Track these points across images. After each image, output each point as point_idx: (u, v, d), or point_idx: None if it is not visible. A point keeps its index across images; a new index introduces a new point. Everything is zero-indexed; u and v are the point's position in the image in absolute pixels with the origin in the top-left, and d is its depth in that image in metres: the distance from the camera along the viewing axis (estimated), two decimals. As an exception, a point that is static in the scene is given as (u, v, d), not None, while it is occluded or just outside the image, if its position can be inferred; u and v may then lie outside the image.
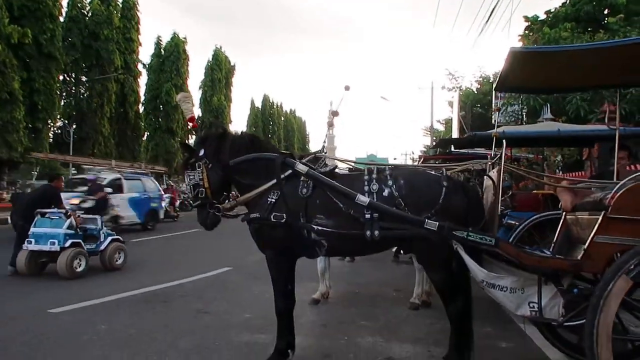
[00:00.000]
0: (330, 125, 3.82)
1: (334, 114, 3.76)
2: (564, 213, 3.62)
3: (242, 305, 5.75)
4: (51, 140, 32.43)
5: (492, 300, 4.79)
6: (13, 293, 6.36)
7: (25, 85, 25.45)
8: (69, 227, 7.47)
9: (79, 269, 7.34)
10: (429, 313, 5.51)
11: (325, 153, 3.70)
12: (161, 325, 4.88)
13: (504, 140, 3.49)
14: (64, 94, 33.77)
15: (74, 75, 34.11)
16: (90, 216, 8.53)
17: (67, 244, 7.31)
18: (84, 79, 34.16)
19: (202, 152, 3.75)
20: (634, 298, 2.74)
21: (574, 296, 2.91)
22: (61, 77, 31.46)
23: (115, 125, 36.68)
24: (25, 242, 7.38)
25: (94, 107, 33.36)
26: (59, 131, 33.69)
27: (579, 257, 2.81)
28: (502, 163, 3.36)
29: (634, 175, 2.80)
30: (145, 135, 42.07)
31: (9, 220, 12.53)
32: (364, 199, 3.18)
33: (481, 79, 27.47)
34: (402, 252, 9.14)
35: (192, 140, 45.32)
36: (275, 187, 3.51)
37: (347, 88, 3.87)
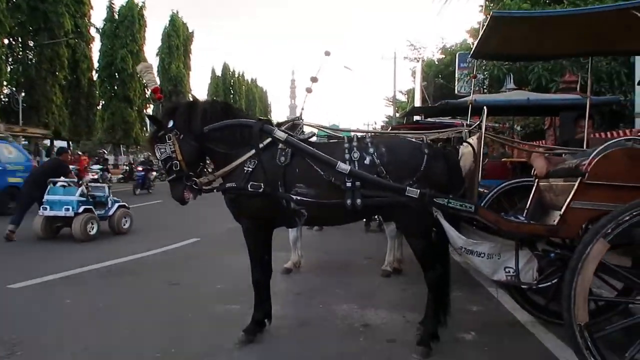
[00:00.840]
0: (309, 91, 3.69)
1: (313, 80, 3.63)
2: (536, 180, 3.70)
3: (213, 276, 5.67)
4: (-2, 108, 30.67)
5: (462, 266, 4.91)
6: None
7: (-33, 49, 23.75)
8: (80, 195, 8.03)
9: (92, 232, 8.02)
10: (401, 280, 5.60)
11: (302, 120, 3.59)
12: (130, 298, 4.75)
13: (484, 107, 3.49)
14: (10, 59, 31.73)
15: (20, 40, 32.03)
16: (99, 184, 9.61)
17: (80, 209, 7.94)
18: (31, 43, 32.14)
19: (171, 124, 3.54)
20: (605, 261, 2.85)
21: (549, 260, 3.00)
22: (6, 41, 29.55)
23: (67, 94, 34.98)
24: (40, 209, 8.05)
25: (43, 74, 31.56)
26: (7, 99, 31.84)
27: (554, 223, 2.88)
28: (484, 130, 3.37)
29: (609, 142, 2.85)
30: (101, 104, 40.38)
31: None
32: (344, 166, 3.11)
33: (443, 48, 27.64)
34: (371, 222, 9.28)
35: (150, 110, 44.00)
36: (253, 156, 3.40)
37: (327, 53, 3.74)
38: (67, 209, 7.81)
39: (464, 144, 3.57)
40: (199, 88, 72.00)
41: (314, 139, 3.75)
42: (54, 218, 8.09)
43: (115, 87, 39.81)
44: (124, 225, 8.91)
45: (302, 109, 3.49)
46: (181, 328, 3.91)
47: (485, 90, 14.06)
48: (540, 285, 3.33)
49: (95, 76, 39.02)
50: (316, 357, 3.34)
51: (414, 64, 29.83)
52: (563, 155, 3.74)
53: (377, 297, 4.91)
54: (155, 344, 3.56)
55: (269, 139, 3.40)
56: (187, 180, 3.55)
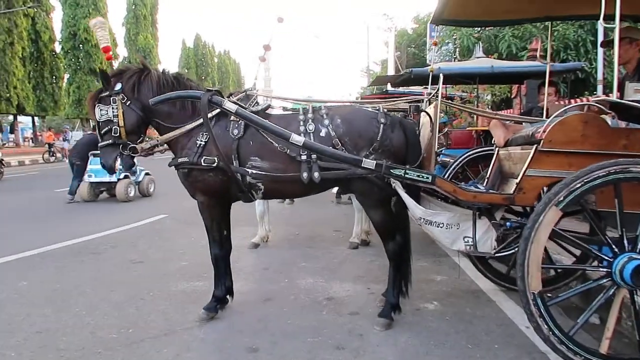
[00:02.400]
0: (262, 60, 3.54)
1: (266, 48, 3.48)
2: (497, 149, 3.68)
3: (178, 253, 5.57)
4: (-45, 83, 29.34)
5: (427, 236, 4.93)
6: None
7: None
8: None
9: (130, 195, 9.91)
10: (369, 251, 5.60)
11: (257, 91, 3.45)
12: (91, 278, 4.62)
13: (440, 75, 3.41)
14: (-35, 30, 30.17)
15: (-26, 9, 30.42)
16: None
17: (121, 176, 9.68)
18: (-13, 13, 30.56)
19: (118, 86, 3.35)
20: (561, 228, 2.86)
21: (506, 229, 3.00)
22: (-41, 11, 28.07)
23: (30, 66, 33.64)
24: (86, 176, 9.89)
25: (2, 46, 30.16)
26: (-36, 73, 30.39)
27: (511, 191, 2.86)
28: (439, 98, 3.30)
29: (563, 109, 2.82)
30: (66, 78, 38.98)
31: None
32: (298, 138, 3.01)
33: (416, 18, 27.36)
34: (342, 194, 9.27)
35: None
36: (202, 127, 3.26)
37: (280, 20, 3.58)
38: (111, 175, 8.53)
39: (423, 113, 3.50)
40: (169, 60, 70.06)
41: (275, 111, 3.63)
42: (98, 184, 9.94)
43: (80, 60, 38.39)
44: (150, 189, 10.63)
45: (255, 78, 3.35)
46: (141, 307, 3.82)
47: (456, 60, 14.02)
48: (500, 254, 3.34)
49: (58, 48, 37.52)
50: (277, 333, 3.30)
51: (388, 35, 29.52)
52: (523, 123, 3.72)
53: (343, 269, 4.90)
54: (113, 324, 3.47)
55: (218, 110, 3.26)
56: (123, 149, 3.38)
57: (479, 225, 3.08)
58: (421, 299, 3.95)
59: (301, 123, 3.24)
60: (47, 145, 26.94)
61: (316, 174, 3.13)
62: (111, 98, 3.34)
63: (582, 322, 2.54)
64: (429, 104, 3.85)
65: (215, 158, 3.22)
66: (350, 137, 3.18)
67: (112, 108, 3.33)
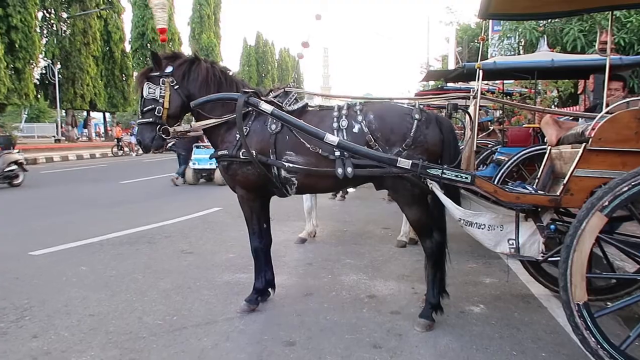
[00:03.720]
0: (300, 57, 3.56)
1: (304, 45, 3.49)
2: (549, 147, 3.48)
3: (226, 245, 5.72)
4: (37, 81, 31.57)
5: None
6: (-4, 236, 6.29)
7: (2, 22, 24.36)
8: None
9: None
10: (416, 250, 5.46)
11: (297, 86, 3.45)
12: (143, 266, 4.84)
13: (479, 71, 3.25)
14: (45, 31, 32.45)
15: (54, 12, 32.63)
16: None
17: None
18: (65, 15, 32.69)
19: (169, 69, 3.44)
20: (619, 233, 2.66)
21: (551, 233, 2.82)
22: (40, 15, 30.15)
23: (102, 65, 35.66)
24: (191, 163, 11.68)
25: (77, 46, 32.20)
26: (44, 71, 32.71)
27: (558, 193, 2.69)
28: (478, 95, 3.15)
29: (616, 104, 2.61)
30: (134, 76, 40.93)
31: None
32: (332, 138, 2.99)
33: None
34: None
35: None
36: (236, 124, 3.30)
37: (318, 17, 3.58)
38: (211, 164, 10.13)
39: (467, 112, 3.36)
40: (230, 58, 72.04)
41: (312, 107, 3.62)
42: (200, 170, 11.75)
43: (148, 59, 40.17)
44: None
45: (294, 75, 3.35)
46: (186, 296, 3.96)
47: (520, 53, 13.41)
48: (553, 258, 3.16)
49: (128, 47, 39.48)
50: (315, 328, 3.30)
51: (449, 29, 28.72)
52: (579, 120, 3.49)
53: (388, 267, 4.83)
54: (159, 311, 3.62)
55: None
56: (160, 129, 3.45)
57: (524, 227, 2.91)
58: (467, 302, 3.82)
59: (335, 119, 3.22)
60: (116, 140, 28.53)
61: (349, 170, 3.10)
62: (160, 79, 3.43)
63: (635, 335, 2.35)
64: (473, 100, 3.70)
65: (253, 151, 3.26)
66: (382, 132, 3.12)
67: (160, 88, 3.41)
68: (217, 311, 3.62)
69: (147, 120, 3.45)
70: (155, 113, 3.42)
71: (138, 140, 3.58)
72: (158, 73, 3.45)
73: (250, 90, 3.35)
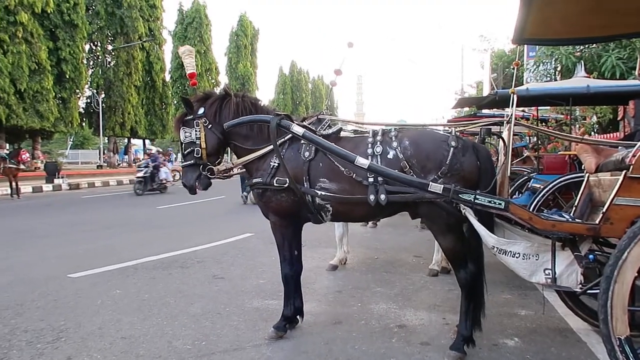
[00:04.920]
0: (333, 84, 3.60)
1: (337, 72, 3.54)
2: (587, 175, 3.37)
3: (257, 271, 5.74)
4: (82, 109, 33.10)
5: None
6: (38, 259, 6.52)
7: (52, 55, 25.80)
8: None
9: None
10: (448, 280, 5.35)
11: (330, 114, 3.50)
12: (175, 290, 4.91)
13: (513, 97, 3.21)
14: (91, 63, 34.17)
15: (99, 44, 34.39)
16: None
17: None
18: (110, 47, 34.39)
19: (202, 110, 3.58)
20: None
21: (589, 263, 2.71)
22: (87, 47, 31.80)
23: (143, 94, 37.10)
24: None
25: (120, 76, 33.71)
26: (89, 100, 34.32)
27: (597, 221, 2.59)
28: (512, 121, 3.10)
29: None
30: (173, 104, 42.42)
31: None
32: (363, 161, 3.00)
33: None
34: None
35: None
36: (274, 151, 3.37)
37: (350, 45, 3.64)
38: None
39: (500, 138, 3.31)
40: (265, 86, 73.81)
41: (345, 133, 3.65)
42: None
43: (186, 88, 41.66)
44: None
45: (327, 102, 3.41)
46: (216, 321, 3.98)
47: (556, 79, 13.17)
48: (592, 290, 3.02)
49: (168, 77, 41.03)
50: (342, 357, 3.25)
51: (484, 55, 28.55)
52: (619, 147, 3.37)
53: (419, 297, 4.73)
54: (188, 335, 3.65)
55: (291, 135, 3.35)
56: (204, 169, 3.57)
57: (560, 257, 2.81)
58: (501, 334, 3.69)
59: (369, 145, 3.23)
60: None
61: (382, 197, 3.08)
62: (194, 121, 3.57)
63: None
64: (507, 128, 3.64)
65: (287, 179, 3.30)
66: (418, 159, 3.11)
67: (195, 131, 3.55)
68: (245, 337, 3.62)
69: (189, 162, 3.59)
70: (195, 155, 3.56)
71: (183, 183, 3.70)
72: (191, 116, 3.59)
73: (282, 114, 3.42)
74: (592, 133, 11.39)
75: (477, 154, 3.15)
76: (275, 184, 3.36)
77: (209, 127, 3.57)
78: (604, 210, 2.54)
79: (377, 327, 3.87)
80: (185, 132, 3.58)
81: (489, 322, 3.76)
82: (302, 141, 3.35)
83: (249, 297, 4.68)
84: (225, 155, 3.92)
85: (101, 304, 4.47)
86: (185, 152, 3.61)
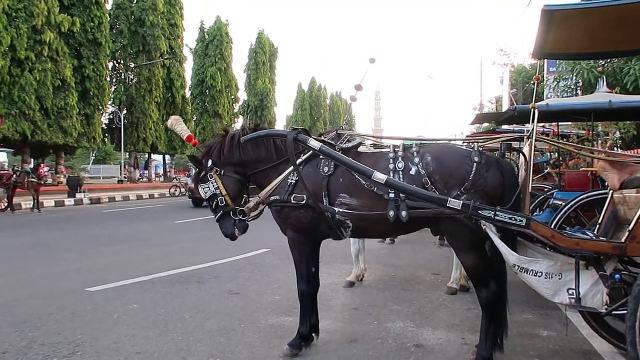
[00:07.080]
0: (353, 99, 3.59)
1: (357, 87, 3.53)
2: (611, 192, 3.28)
3: (273, 287, 5.70)
4: (104, 125, 33.79)
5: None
6: (57, 273, 6.59)
7: (77, 72, 26.50)
8: None
9: None
10: (467, 298, 5.24)
11: (350, 128, 3.49)
12: (191, 305, 4.89)
13: (533, 111, 3.15)
14: (114, 80, 34.96)
15: (122, 62, 35.21)
16: None
17: None
18: (132, 65, 35.17)
19: (210, 163, 3.63)
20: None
21: (615, 283, 2.61)
22: (111, 64, 32.59)
23: (163, 110, 37.74)
24: None
25: (142, 93, 34.39)
26: (111, 116, 35.04)
27: (623, 239, 2.50)
28: (534, 137, 3.03)
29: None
30: (193, 120, 43.02)
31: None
32: (380, 176, 2.96)
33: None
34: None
35: (239, 122, 45.93)
36: (292, 168, 3.35)
37: (371, 61, 3.63)
38: None
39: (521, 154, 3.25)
40: (283, 102, 74.37)
41: (363, 148, 3.63)
42: None
43: (206, 104, 42.31)
44: None
45: (347, 117, 3.40)
46: (231, 337, 3.95)
47: (577, 94, 13.00)
48: (618, 311, 2.91)
49: (187, 93, 41.70)
50: (358, 376, 3.19)
51: (503, 70, 28.38)
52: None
53: (437, 315, 4.63)
54: (202, 351, 3.63)
55: (310, 152, 3.34)
56: (234, 214, 3.59)
57: (585, 276, 2.72)
58: (522, 355, 3.58)
59: (390, 161, 3.19)
60: (174, 180, 29.75)
61: (404, 213, 3.03)
62: (208, 175, 3.63)
63: None
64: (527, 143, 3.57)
65: (305, 196, 3.28)
66: (440, 175, 3.06)
67: (212, 183, 3.60)
68: (260, 354, 3.58)
69: (220, 213, 3.64)
70: (220, 204, 3.60)
71: (224, 233, 3.75)
72: (203, 172, 3.66)
73: (299, 128, 3.42)
74: (615, 148, 11.16)
75: (501, 169, 3.09)
76: (292, 201, 3.34)
77: (222, 173, 3.61)
78: (631, 228, 2.45)
79: (393, 346, 3.79)
80: (204, 188, 3.63)
81: (509, 343, 3.64)
82: (321, 156, 3.33)
83: (264, 313, 4.64)
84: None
85: (117, 318, 4.48)
86: (213, 206, 3.65)
